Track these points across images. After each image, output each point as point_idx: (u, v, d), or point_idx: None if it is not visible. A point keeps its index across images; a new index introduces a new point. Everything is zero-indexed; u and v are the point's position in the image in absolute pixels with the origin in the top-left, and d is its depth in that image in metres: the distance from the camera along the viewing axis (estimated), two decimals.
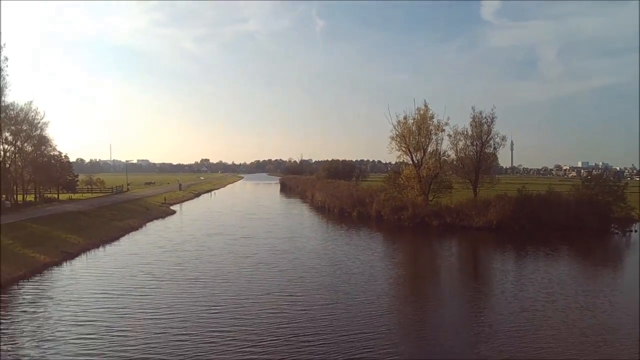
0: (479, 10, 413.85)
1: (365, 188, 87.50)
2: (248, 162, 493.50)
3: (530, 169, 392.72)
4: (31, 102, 70.42)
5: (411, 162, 71.65)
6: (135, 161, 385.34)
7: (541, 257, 43.42)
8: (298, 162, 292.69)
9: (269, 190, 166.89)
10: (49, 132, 73.22)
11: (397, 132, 71.64)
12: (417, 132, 70.23)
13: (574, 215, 58.96)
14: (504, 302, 27.99)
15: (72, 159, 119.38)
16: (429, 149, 70.67)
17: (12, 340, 20.73)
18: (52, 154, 76.51)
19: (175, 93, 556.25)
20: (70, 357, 18.92)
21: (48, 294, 29.08)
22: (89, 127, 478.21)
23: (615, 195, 63.04)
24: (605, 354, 19.93)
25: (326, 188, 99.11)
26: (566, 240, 52.52)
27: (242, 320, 23.74)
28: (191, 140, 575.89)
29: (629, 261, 44.28)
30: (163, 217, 74.21)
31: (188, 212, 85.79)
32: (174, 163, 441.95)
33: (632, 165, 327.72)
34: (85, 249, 43.96)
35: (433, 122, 69.85)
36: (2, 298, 27.64)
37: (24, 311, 25.29)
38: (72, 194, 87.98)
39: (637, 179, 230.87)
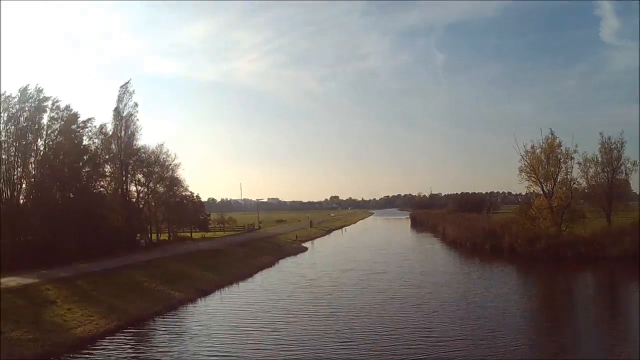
0: (598, 33, 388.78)
1: (497, 220, 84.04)
2: (377, 198, 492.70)
3: None
4: (162, 144, 74.66)
5: (542, 192, 69.23)
6: (265, 199, 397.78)
7: None
8: (427, 196, 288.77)
9: (399, 225, 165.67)
10: (181, 173, 76.95)
11: (526, 163, 69.84)
12: (546, 162, 68.06)
13: None
14: None
15: (204, 198, 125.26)
16: (559, 178, 68.17)
17: None
18: (184, 194, 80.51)
19: (301, 132, 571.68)
20: None
21: (183, 329, 29.75)
22: (217, 168, 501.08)
23: None
24: None
25: (457, 222, 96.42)
26: None
27: (376, 355, 23.36)
28: (320, 178, 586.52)
29: None
30: (295, 254, 74.93)
31: (320, 248, 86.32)
32: (304, 201, 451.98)
33: None
34: (219, 286, 44.78)
35: (561, 150, 67.56)
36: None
37: (161, 344, 26.08)
38: (205, 233, 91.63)
39: None
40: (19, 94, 51.62)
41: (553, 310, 34.09)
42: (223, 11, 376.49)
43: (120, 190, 66.16)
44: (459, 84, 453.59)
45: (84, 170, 58.55)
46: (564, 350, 24.27)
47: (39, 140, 53.47)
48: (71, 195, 55.62)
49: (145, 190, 70.81)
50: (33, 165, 53.06)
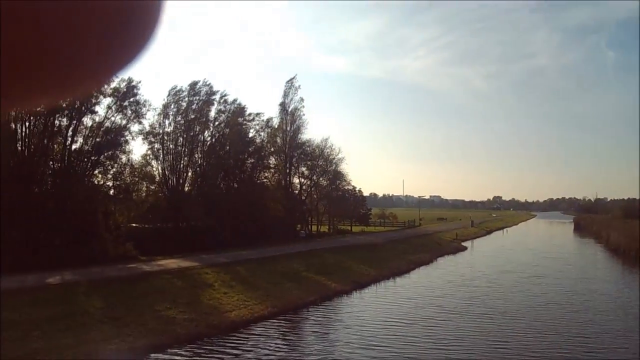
0: None
1: None
2: (541, 200, 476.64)
3: None
4: (327, 138, 76.79)
5: None
6: (427, 197, 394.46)
7: None
8: (592, 200, 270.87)
9: (561, 229, 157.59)
10: (344, 167, 78.68)
11: None
12: None
13: None
14: None
15: (366, 193, 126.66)
16: None
17: (302, 358, 22.20)
18: (346, 188, 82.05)
19: (465, 131, 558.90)
20: None
21: (338, 318, 30.75)
22: (380, 164, 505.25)
23: None
24: None
25: (622, 228, 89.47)
26: None
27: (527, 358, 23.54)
28: (483, 178, 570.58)
29: None
30: (454, 252, 73.56)
31: (479, 248, 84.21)
32: (467, 200, 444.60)
33: None
34: (375, 280, 45.25)
35: None
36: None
37: (314, 332, 27.20)
38: (365, 227, 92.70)
39: None
40: (189, 87, 56.21)
41: None
42: (390, 8, 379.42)
43: (283, 182, 69.73)
44: (630, 83, 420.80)
45: (248, 162, 62.31)
46: None
47: (205, 131, 57.89)
48: (235, 185, 59.12)
49: (308, 182, 73.94)
50: (199, 155, 57.42)
